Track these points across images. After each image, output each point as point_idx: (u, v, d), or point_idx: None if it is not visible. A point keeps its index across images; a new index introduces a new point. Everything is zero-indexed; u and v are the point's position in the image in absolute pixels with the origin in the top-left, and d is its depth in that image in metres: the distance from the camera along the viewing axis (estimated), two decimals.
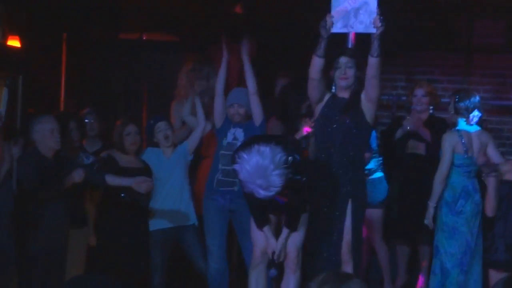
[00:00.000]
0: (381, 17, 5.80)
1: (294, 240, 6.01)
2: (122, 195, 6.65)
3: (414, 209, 7.42)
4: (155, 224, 6.96)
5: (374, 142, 7.41)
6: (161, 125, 7.03)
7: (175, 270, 7.32)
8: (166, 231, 6.96)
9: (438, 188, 6.75)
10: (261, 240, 6.00)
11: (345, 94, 6.19)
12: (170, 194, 6.97)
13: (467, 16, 9.08)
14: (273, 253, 5.95)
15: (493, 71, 8.99)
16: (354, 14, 5.87)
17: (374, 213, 7.44)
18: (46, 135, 6.35)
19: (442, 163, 6.76)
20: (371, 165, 7.44)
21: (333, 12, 5.92)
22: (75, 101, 8.82)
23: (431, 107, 7.67)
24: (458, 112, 6.84)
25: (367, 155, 7.02)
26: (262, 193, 5.38)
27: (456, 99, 6.84)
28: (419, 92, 7.65)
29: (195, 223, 6.98)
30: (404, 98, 8.40)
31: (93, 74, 8.99)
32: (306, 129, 7.32)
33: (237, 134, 6.87)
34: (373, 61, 5.93)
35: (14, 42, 8.03)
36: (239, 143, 6.55)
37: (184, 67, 7.59)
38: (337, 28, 5.93)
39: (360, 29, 5.90)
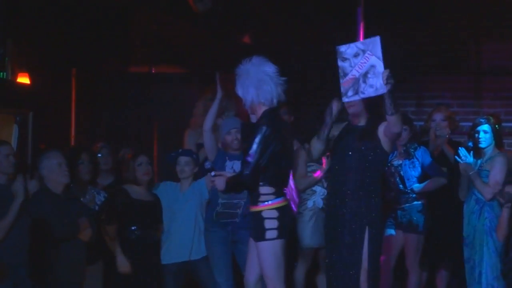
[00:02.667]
0: (389, 74, 5.72)
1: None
2: (133, 228, 6.66)
3: (435, 233, 7.40)
4: (169, 258, 6.95)
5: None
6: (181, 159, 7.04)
7: None
8: (179, 265, 6.95)
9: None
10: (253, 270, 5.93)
11: (360, 121, 6.17)
12: (183, 228, 6.96)
13: (476, 40, 9.09)
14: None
15: (503, 93, 9.00)
16: (363, 80, 5.82)
17: (414, 238, 7.39)
18: (54, 169, 6.35)
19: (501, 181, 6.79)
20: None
21: (342, 83, 5.89)
22: (86, 135, 8.85)
23: (448, 131, 7.65)
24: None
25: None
26: None
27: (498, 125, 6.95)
28: (438, 116, 7.61)
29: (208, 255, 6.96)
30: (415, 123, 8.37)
31: (103, 108, 9.02)
32: (317, 174, 7.34)
33: (235, 167, 6.79)
34: (390, 119, 5.87)
35: (23, 79, 8.07)
36: None
37: (202, 97, 7.61)
38: (348, 97, 5.90)
39: (371, 92, 5.81)
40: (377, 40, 5.81)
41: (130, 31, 9.45)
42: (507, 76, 9.00)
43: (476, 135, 6.94)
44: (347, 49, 5.88)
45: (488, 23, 8.90)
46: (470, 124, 7.45)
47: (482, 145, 6.91)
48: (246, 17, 9.11)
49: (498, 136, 6.99)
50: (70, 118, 8.81)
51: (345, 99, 5.91)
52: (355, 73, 5.83)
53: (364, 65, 5.81)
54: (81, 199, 6.64)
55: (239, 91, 5.88)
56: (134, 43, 9.46)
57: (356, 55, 5.84)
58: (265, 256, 5.77)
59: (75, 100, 8.83)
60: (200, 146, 7.55)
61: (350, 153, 6.11)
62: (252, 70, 5.84)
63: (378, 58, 5.77)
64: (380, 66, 5.77)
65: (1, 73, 7.81)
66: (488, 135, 6.90)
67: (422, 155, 7.38)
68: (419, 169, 7.36)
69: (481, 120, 7.01)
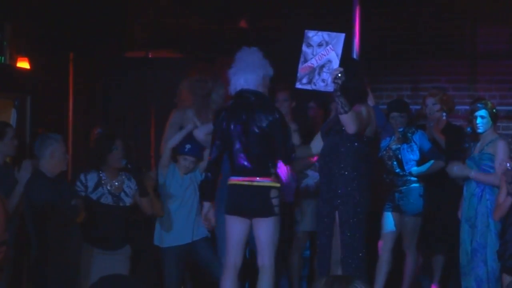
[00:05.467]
0: (339, 74, 5.75)
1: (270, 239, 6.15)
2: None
3: (430, 218, 7.44)
4: (169, 241, 7.00)
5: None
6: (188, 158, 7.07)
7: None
8: (179, 248, 7.00)
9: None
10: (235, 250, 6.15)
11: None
12: (185, 210, 7.01)
13: (471, 24, 9.11)
14: None
15: (498, 77, 9.02)
16: (318, 72, 5.88)
17: (411, 221, 7.45)
18: (61, 155, 6.36)
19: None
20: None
21: (300, 68, 5.96)
22: (83, 120, 8.88)
23: (443, 114, 7.70)
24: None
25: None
26: None
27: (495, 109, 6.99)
28: (429, 101, 7.68)
29: (208, 235, 7.02)
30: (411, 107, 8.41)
31: (100, 92, 9.04)
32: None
33: None
34: (341, 118, 5.89)
35: (23, 64, 8.10)
36: None
37: (188, 77, 7.62)
38: (302, 84, 5.98)
39: (321, 87, 5.89)
40: (341, 37, 5.86)
41: (128, 16, 9.47)
42: (502, 60, 9.02)
43: (474, 120, 7.00)
44: (314, 36, 5.93)
45: (484, 7, 8.91)
46: (466, 107, 7.51)
47: (480, 131, 6.96)
48: (243, 2, 9.14)
49: (495, 120, 7.03)
50: (68, 102, 8.84)
51: (298, 85, 6.01)
52: (314, 62, 5.90)
53: (323, 57, 5.87)
54: (109, 185, 6.61)
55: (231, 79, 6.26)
56: (131, 27, 9.48)
57: (320, 45, 5.90)
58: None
59: (72, 84, 8.86)
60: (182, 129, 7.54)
61: (332, 134, 6.19)
62: (239, 58, 6.20)
63: (337, 55, 5.83)
64: (335, 63, 5.82)
65: (0, 58, 7.85)
66: (485, 120, 6.95)
67: (420, 139, 7.42)
68: (418, 152, 7.41)
69: (478, 105, 7.04)
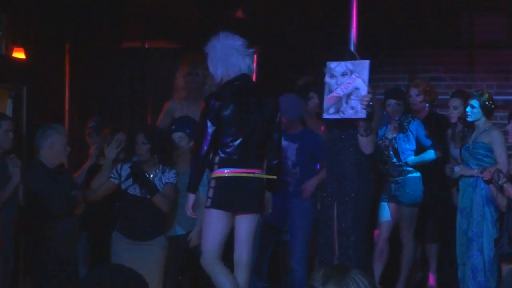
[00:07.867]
0: (369, 100, 5.75)
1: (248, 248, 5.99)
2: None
3: (428, 206, 7.45)
4: (168, 232, 6.98)
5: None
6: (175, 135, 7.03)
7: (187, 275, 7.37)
8: (176, 238, 6.97)
9: None
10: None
11: None
12: (180, 201, 6.99)
13: (468, 13, 9.10)
14: None
15: (495, 66, 9.02)
16: (346, 100, 5.86)
17: (408, 211, 7.45)
18: (61, 147, 6.35)
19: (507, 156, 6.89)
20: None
21: (325, 99, 5.94)
22: (79, 111, 8.87)
23: (426, 104, 7.70)
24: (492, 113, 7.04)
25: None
26: None
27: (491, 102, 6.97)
28: (413, 91, 7.72)
29: None
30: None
31: (96, 83, 9.03)
32: None
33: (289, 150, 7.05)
34: (361, 140, 5.91)
35: (19, 54, 8.10)
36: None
37: (181, 70, 7.63)
38: (329, 114, 5.95)
39: (351, 114, 5.87)
40: (366, 64, 5.86)
41: (123, 6, 9.44)
42: (499, 49, 9.02)
43: (466, 108, 7.05)
44: (336, 66, 5.91)
45: None
46: None
47: (468, 119, 7.00)
48: None
49: (487, 112, 7.02)
50: (64, 93, 8.84)
51: (325, 116, 5.98)
52: (339, 92, 5.88)
53: (349, 85, 5.85)
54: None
55: (210, 68, 5.98)
56: (127, 18, 9.46)
57: (343, 74, 5.88)
58: (203, 221, 5.99)
59: (69, 75, 8.85)
60: (175, 120, 7.53)
61: (333, 128, 6.22)
62: (218, 45, 5.90)
63: (364, 81, 5.81)
64: (363, 90, 5.80)
65: None
66: (475, 110, 6.97)
67: (416, 128, 7.42)
68: (414, 142, 7.41)
69: (474, 93, 7.10)
